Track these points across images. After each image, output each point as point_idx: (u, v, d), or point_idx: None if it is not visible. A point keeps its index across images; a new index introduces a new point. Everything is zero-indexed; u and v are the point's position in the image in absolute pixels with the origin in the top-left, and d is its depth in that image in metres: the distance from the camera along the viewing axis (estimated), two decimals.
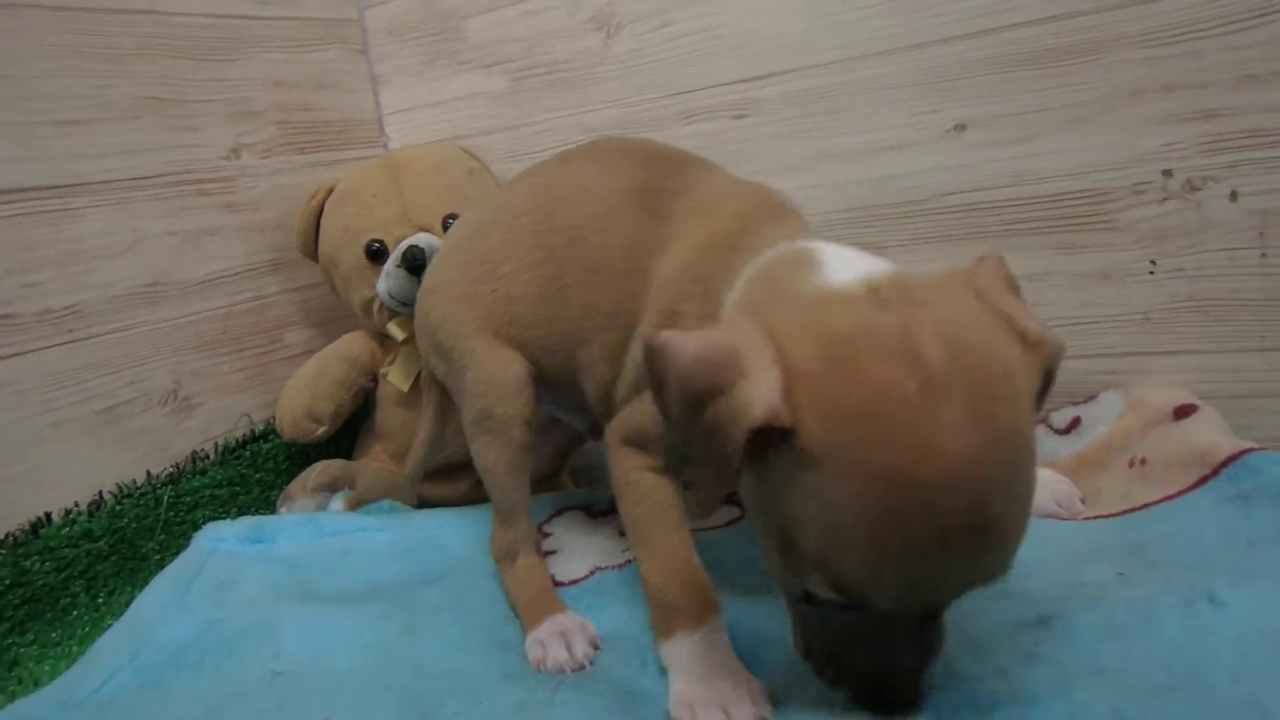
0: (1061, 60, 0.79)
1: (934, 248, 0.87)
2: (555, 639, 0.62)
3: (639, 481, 0.61)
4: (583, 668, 0.60)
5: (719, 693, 0.52)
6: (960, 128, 0.84)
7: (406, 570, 0.75)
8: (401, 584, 0.73)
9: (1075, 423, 0.76)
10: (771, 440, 0.42)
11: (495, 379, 0.70)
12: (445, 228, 0.98)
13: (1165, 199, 0.78)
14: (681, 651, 0.56)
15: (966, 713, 0.47)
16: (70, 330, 0.86)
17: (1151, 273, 0.80)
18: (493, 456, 0.71)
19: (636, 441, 0.62)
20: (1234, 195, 0.76)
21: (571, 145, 1.03)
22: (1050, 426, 0.77)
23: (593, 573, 0.72)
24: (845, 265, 0.49)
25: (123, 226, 0.90)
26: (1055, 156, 0.81)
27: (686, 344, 0.44)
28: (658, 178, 0.67)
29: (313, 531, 0.81)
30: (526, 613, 0.66)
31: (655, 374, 0.45)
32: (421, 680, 0.60)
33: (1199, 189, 0.77)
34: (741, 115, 0.94)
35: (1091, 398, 0.78)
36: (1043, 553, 0.62)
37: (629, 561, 0.71)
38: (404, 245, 0.95)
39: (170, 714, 0.58)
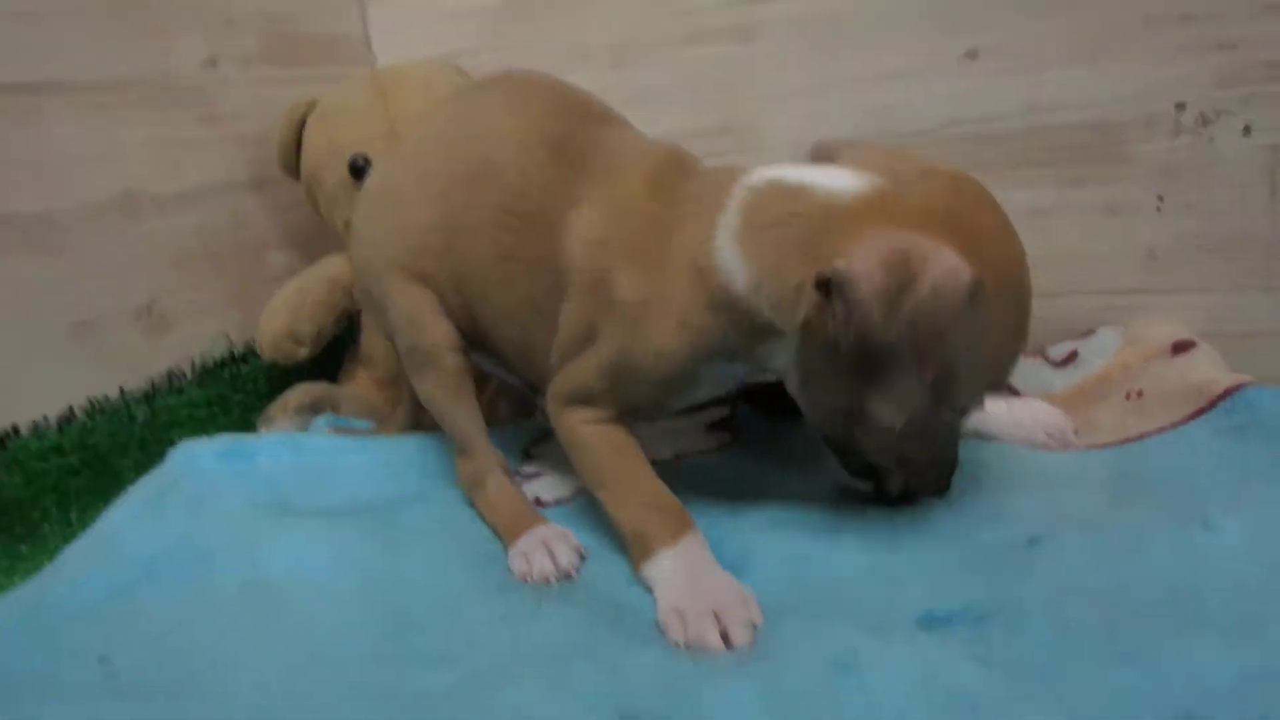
0: None
1: None
2: (538, 549, 0.61)
3: (591, 432, 0.63)
4: (569, 576, 0.59)
5: (708, 598, 0.52)
6: (971, 55, 0.82)
7: (389, 490, 0.74)
8: (384, 503, 0.72)
9: (1072, 356, 0.76)
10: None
11: (411, 313, 0.70)
12: None
13: (1177, 133, 0.77)
14: (663, 566, 0.56)
15: (958, 622, 0.47)
16: (39, 238, 0.82)
17: (1159, 209, 0.78)
18: (431, 389, 0.71)
19: (583, 398, 0.63)
20: (1247, 130, 0.75)
21: (567, 68, 1.01)
22: (1046, 358, 0.77)
23: (578, 494, 0.71)
24: (821, 176, 0.55)
25: (97, 132, 0.86)
26: (1067, 87, 0.79)
27: (864, 260, 0.48)
28: (573, 128, 0.67)
29: (293, 451, 0.79)
30: (506, 530, 0.65)
31: (844, 302, 0.48)
32: (403, 594, 0.59)
33: (1211, 123, 0.76)
34: (746, 38, 0.91)
35: (1090, 333, 0.77)
36: (1034, 480, 0.62)
37: None
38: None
39: (139, 623, 0.56)
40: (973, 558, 0.53)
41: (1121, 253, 0.80)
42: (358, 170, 0.95)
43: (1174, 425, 0.64)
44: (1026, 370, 0.76)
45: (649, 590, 0.56)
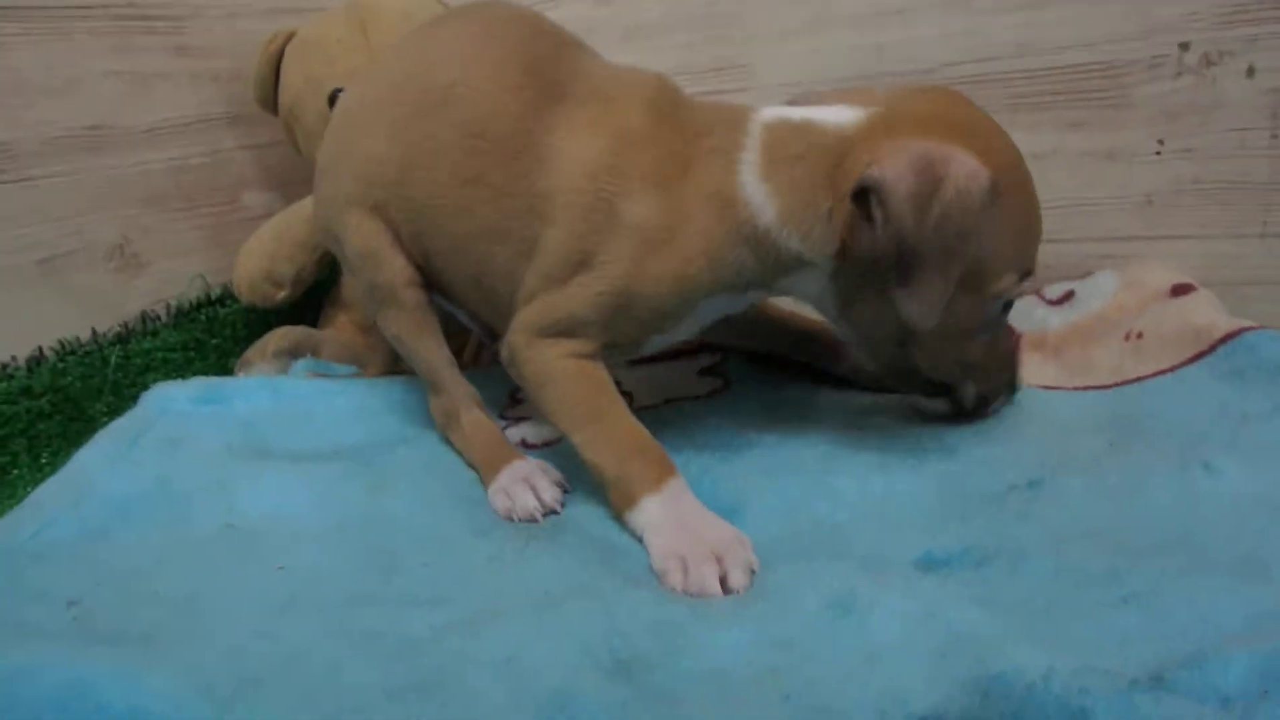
0: None
1: None
2: (519, 485, 0.60)
3: (570, 366, 0.60)
4: (554, 511, 0.58)
5: (705, 541, 0.51)
6: None
7: (371, 433, 0.72)
8: (366, 446, 0.70)
9: (1069, 295, 0.74)
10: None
11: (366, 249, 0.68)
12: None
13: (1179, 74, 0.74)
14: (651, 512, 0.54)
15: (957, 564, 0.46)
16: (3, 170, 0.79)
17: (1158, 153, 0.76)
18: (394, 326, 0.69)
19: (564, 330, 0.60)
20: (1250, 71, 0.72)
21: (556, 4, 0.97)
22: (1042, 297, 0.76)
23: (563, 437, 0.69)
24: (822, 111, 0.57)
25: (60, 60, 0.82)
26: (1067, 25, 0.76)
27: (895, 164, 0.51)
28: (550, 53, 0.65)
29: (271, 394, 0.77)
30: (484, 466, 0.63)
31: (883, 206, 0.51)
32: (387, 535, 0.57)
33: (1215, 64, 0.73)
34: None
35: (1088, 274, 0.76)
36: (1032, 422, 0.61)
37: None
38: None
39: (112, 564, 0.54)
40: (971, 501, 0.52)
41: (1119, 198, 0.78)
42: (334, 100, 0.91)
43: (1173, 368, 0.63)
44: (1022, 308, 0.74)
45: (637, 538, 0.55)
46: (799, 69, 0.87)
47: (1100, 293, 0.73)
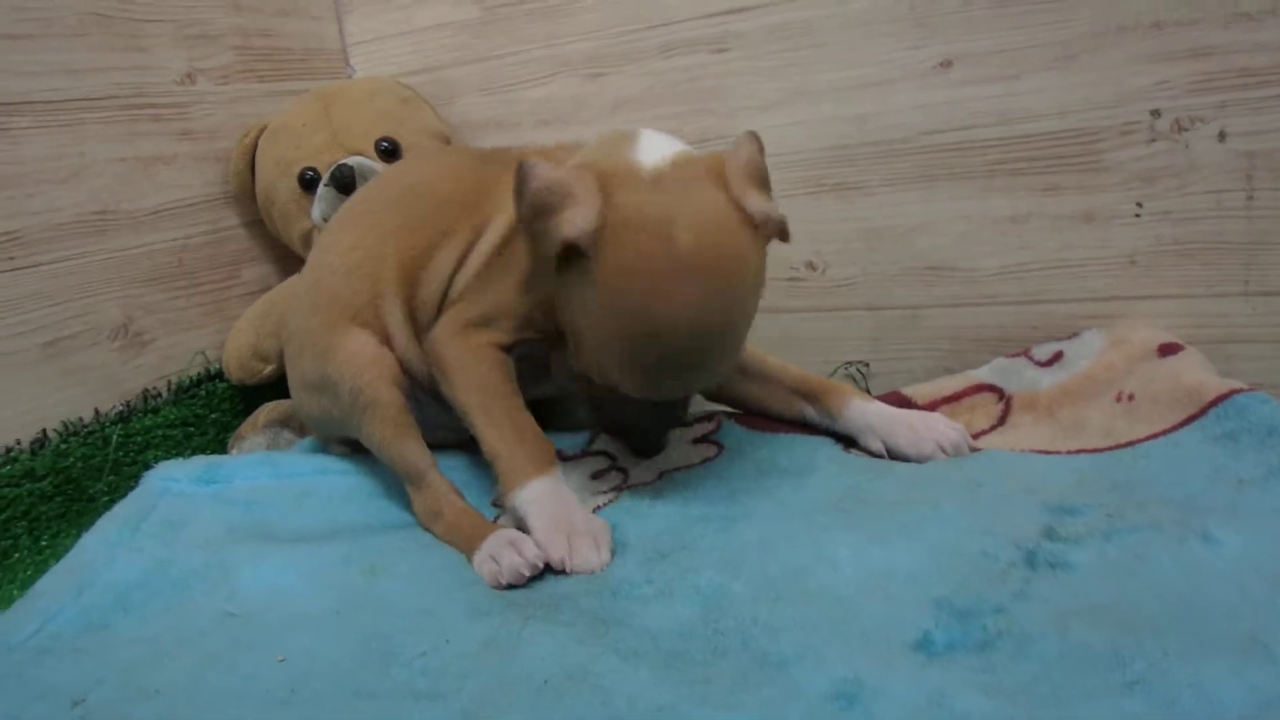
0: None
1: (916, 188, 0.85)
2: (504, 548, 0.61)
3: (484, 354, 0.68)
4: (537, 569, 0.59)
5: (582, 524, 0.60)
6: (946, 64, 0.82)
7: (368, 513, 0.72)
8: (363, 527, 0.70)
9: (1058, 356, 0.75)
10: (576, 262, 0.59)
11: (352, 351, 0.72)
12: (378, 150, 0.97)
13: (1153, 139, 0.77)
14: (535, 494, 0.63)
15: (961, 647, 0.46)
16: (11, 258, 0.81)
17: (1138, 215, 0.78)
18: (377, 431, 0.71)
19: (485, 320, 0.69)
20: (1222, 136, 0.75)
21: (544, 79, 1.01)
22: (1031, 359, 0.76)
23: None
24: (653, 146, 0.64)
25: (68, 150, 0.85)
26: (1042, 95, 0.79)
27: (544, 172, 0.59)
28: (487, 151, 0.81)
29: (271, 472, 0.77)
30: (467, 545, 0.64)
31: (517, 185, 0.60)
32: (384, 619, 0.57)
33: (1187, 129, 0.76)
34: (722, 49, 0.91)
35: (1075, 334, 0.77)
36: (1026, 490, 0.61)
37: (600, 506, 0.69)
38: (333, 166, 0.93)
39: (113, 658, 0.54)
40: (971, 575, 0.52)
41: (1101, 259, 0.80)
42: (307, 182, 0.96)
43: (1165, 431, 0.63)
44: (1012, 370, 0.76)
45: (520, 515, 0.63)
46: (782, 140, 0.89)
47: (1087, 352, 0.74)
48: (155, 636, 0.56)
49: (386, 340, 0.74)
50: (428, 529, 0.69)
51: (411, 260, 0.74)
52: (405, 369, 0.74)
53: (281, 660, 0.53)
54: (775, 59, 0.89)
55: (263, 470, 0.78)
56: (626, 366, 0.61)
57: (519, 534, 0.62)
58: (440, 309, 0.73)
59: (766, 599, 0.53)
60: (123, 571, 0.63)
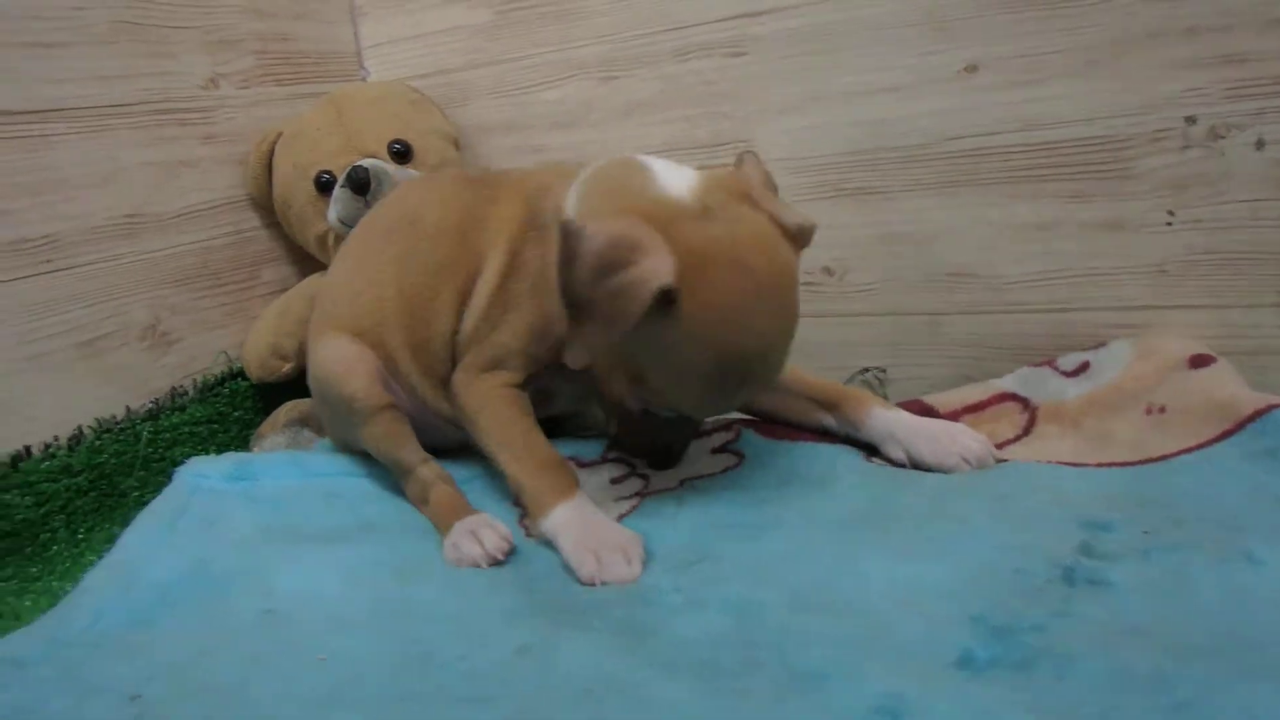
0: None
1: (937, 193, 0.85)
2: (465, 537, 0.65)
3: (501, 395, 0.71)
4: (496, 560, 0.63)
5: (610, 539, 0.61)
6: (971, 69, 0.81)
7: (395, 515, 0.74)
8: (391, 528, 0.72)
9: (1084, 366, 0.74)
10: (650, 306, 0.57)
11: (338, 358, 0.76)
12: (391, 152, 0.99)
13: (1186, 146, 0.75)
14: (562, 518, 0.64)
15: (1002, 665, 0.45)
16: (48, 260, 0.83)
17: (1169, 224, 0.77)
18: (371, 436, 0.75)
19: (498, 364, 0.71)
20: (1260, 144, 0.73)
21: (557, 82, 1.02)
22: (1057, 369, 0.75)
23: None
24: (671, 176, 0.64)
25: (100, 155, 0.87)
26: (1069, 101, 0.78)
27: (601, 228, 0.58)
28: (477, 175, 0.82)
29: (297, 472, 0.79)
30: (440, 525, 0.69)
31: (568, 250, 0.57)
32: (419, 623, 0.58)
33: (1223, 137, 0.74)
34: (739, 53, 0.91)
35: (1101, 344, 0.76)
36: (1057, 504, 0.60)
37: (624, 514, 0.70)
38: (348, 168, 0.95)
39: (161, 653, 0.56)
40: (1007, 591, 0.51)
41: (1130, 268, 0.79)
42: (323, 185, 0.98)
43: (1200, 446, 0.61)
44: (1037, 379, 0.74)
45: (548, 540, 0.64)
46: (799, 145, 0.90)
47: (1115, 362, 0.72)
48: (198, 634, 0.58)
49: (389, 361, 0.78)
50: (418, 509, 0.73)
51: (414, 295, 0.76)
52: (413, 395, 0.78)
53: (323, 659, 0.54)
54: (793, 63, 0.88)
55: (290, 470, 0.80)
56: (703, 391, 0.62)
57: (484, 521, 0.67)
58: (451, 347, 0.76)
59: (797, 611, 0.53)
60: (164, 569, 0.65)
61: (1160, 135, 0.76)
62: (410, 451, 0.75)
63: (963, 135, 0.83)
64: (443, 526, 0.69)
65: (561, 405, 0.80)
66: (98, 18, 0.87)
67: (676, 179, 0.64)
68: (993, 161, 0.82)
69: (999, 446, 0.71)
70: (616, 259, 0.57)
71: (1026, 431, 0.71)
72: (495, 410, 0.71)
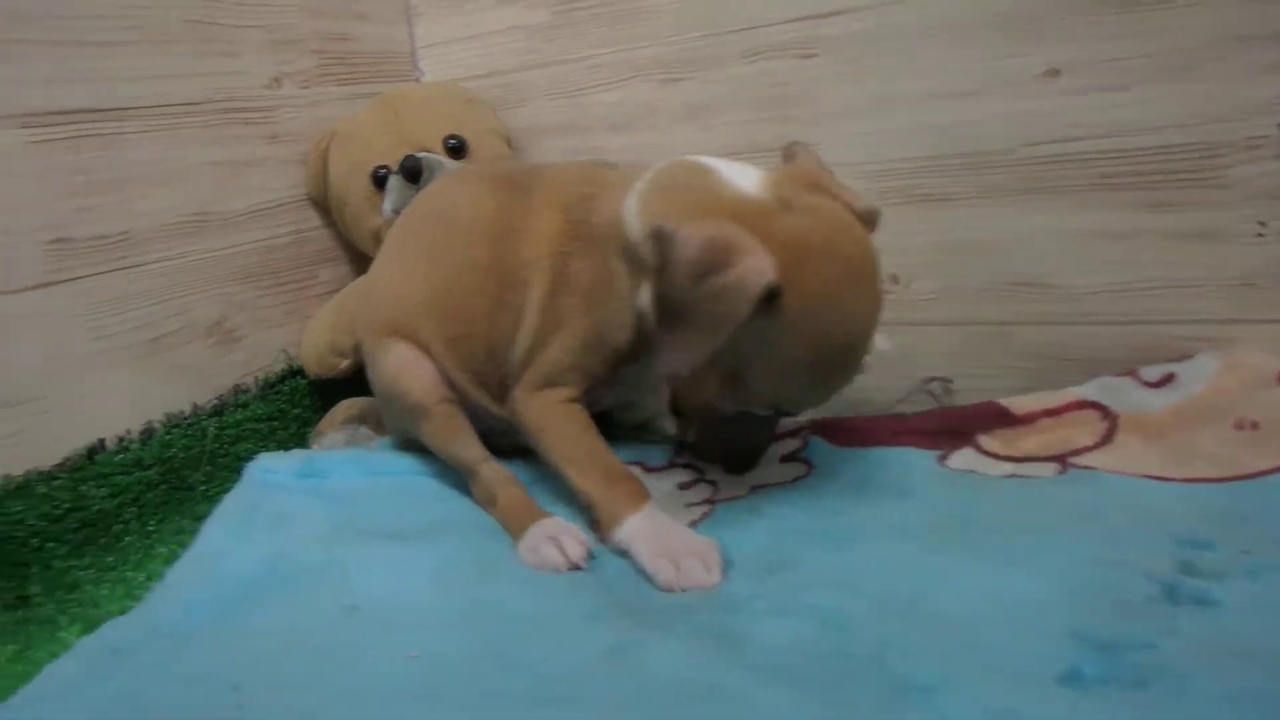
0: (1166, 2, 0.74)
1: (1010, 201, 0.83)
2: (545, 542, 0.64)
3: (560, 412, 0.71)
4: (578, 567, 0.63)
5: (686, 545, 0.61)
6: (1052, 73, 0.79)
7: (464, 514, 0.74)
8: (463, 526, 0.72)
9: (1169, 378, 0.72)
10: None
11: (393, 363, 0.77)
12: (446, 148, 1.00)
13: None
14: (636, 528, 0.63)
15: (1115, 687, 0.45)
16: (123, 257, 0.84)
17: (1261, 234, 0.74)
18: (431, 431, 0.76)
19: (554, 380, 0.71)
20: None
21: (616, 84, 1.02)
22: (1139, 379, 0.73)
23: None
24: (737, 174, 0.64)
25: (171, 154, 0.88)
26: (1156, 106, 0.75)
27: (694, 231, 0.57)
28: (508, 172, 0.81)
29: (363, 470, 0.80)
30: (513, 527, 0.68)
31: (662, 256, 0.57)
32: (500, 622, 0.58)
33: None
34: (809, 54, 0.89)
35: (1186, 356, 0.74)
36: (1146, 520, 0.59)
37: (696, 521, 0.69)
38: (403, 159, 0.96)
39: (251, 646, 0.57)
40: (1107, 607, 0.50)
41: (1214, 280, 0.76)
42: (380, 180, 0.99)
43: None
44: (1118, 389, 0.73)
45: (622, 551, 0.63)
46: (869, 150, 0.88)
47: (1201, 375, 0.70)
48: (284, 629, 0.59)
49: (424, 352, 0.78)
50: (486, 510, 0.73)
51: (445, 290, 0.77)
52: (453, 386, 0.78)
53: (414, 656, 0.54)
54: (865, 65, 0.87)
55: (356, 468, 0.81)
56: (807, 383, 0.63)
57: (563, 526, 0.66)
58: (489, 350, 0.76)
59: (890, 622, 0.52)
60: (245, 564, 0.66)
61: (1254, 143, 0.73)
62: (472, 449, 0.75)
63: (1040, 141, 0.81)
64: (514, 528, 0.69)
65: (608, 402, 0.79)
66: (169, 16, 0.88)
67: (743, 177, 0.64)
68: (1071, 168, 0.80)
69: (1076, 453, 0.69)
70: (715, 261, 0.56)
71: (1106, 440, 0.70)
72: (556, 427, 0.71)
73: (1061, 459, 0.69)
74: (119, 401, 0.84)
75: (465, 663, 0.53)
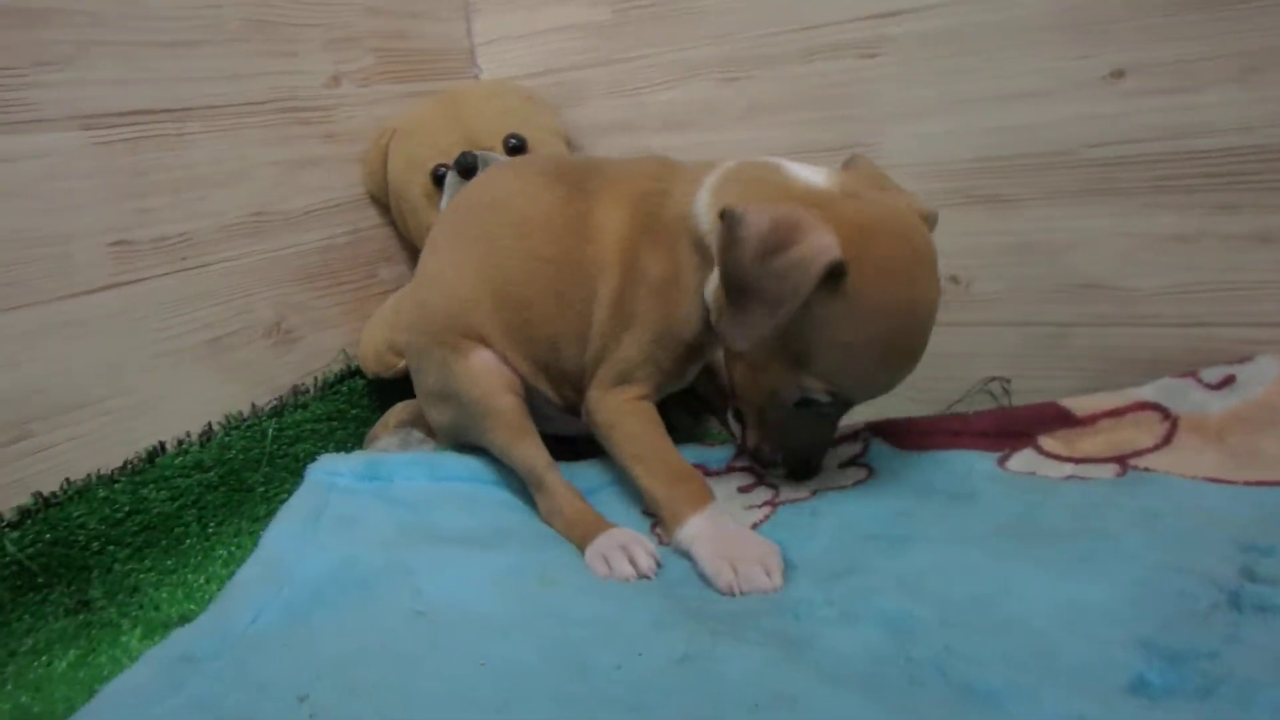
0: (1233, 5, 0.73)
1: (1073, 202, 0.82)
2: (616, 551, 0.65)
3: (630, 410, 0.72)
4: (648, 578, 0.63)
5: (747, 549, 0.61)
6: (1118, 75, 0.78)
7: (530, 521, 0.74)
8: (528, 534, 0.72)
9: (1229, 380, 0.72)
10: (821, 281, 0.58)
11: (472, 368, 0.76)
12: (506, 147, 0.99)
13: None
14: (697, 528, 0.64)
15: (1182, 697, 0.45)
16: (184, 259, 0.84)
17: None
18: (499, 436, 0.76)
19: (623, 378, 0.72)
20: None
21: (675, 82, 1.01)
22: (1199, 380, 0.73)
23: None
24: (803, 171, 0.67)
25: (231, 154, 0.88)
26: (1223, 109, 0.75)
27: (762, 210, 0.59)
28: (562, 166, 0.81)
29: (427, 473, 0.80)
30: (580, 537, 0.68)
31: (730, 234, 0.59)
32: (568, 628, 0.58)
33: None
34: (872, 54, 0.89)
35: (1248, 359, 0.74)
36: (1209, 524, 0.59)
37: (758, 523, 0.69)
38: (459, 155, 0.95)
39: (322, 651, 0.57)
40: (1172, 614, 0.51)
41: (1276, 284, 0.76)
42: (440, 179, 0.98)
43: None
44: (1178, 390, 0.73)
45: (684, 551, 0.64)
46: (930, 150, 0.87)
47: (1262, 378, 0.70)
48: (354, 634, 0.58)
49: (485, 344, 0.77)
50: (549, 523, 0.73)
51: (502, 280, 0.77)
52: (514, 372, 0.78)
53: (483, 665, 0.54)
54: (929, 65, 0.86)
55: (420, 471, 0.80)
56: (872, 366, 0.63)
57: (633, 536, 0.66)
58: (554, 341, 0.76)
59: (957, 628, 0.52)
60: (313, 567, 0.65)
61: None
62: (540, 456, 0.75)
63: (1105, 143, 0.80)
64: (580, 539, 0.69)
65: (559, 427, 0.81)
66: (230, 15, 0.88)
67: (812, 173, 0.67)
68: (1135, 170, 0.80)
69: (1137, 454, 0.69)
70: (781, 238, 0.58)
71: (1167, 441, 0.71)
72: (626, 426, 0.72)
73: (1121, 460, 0.69)
74: (179, 403, 0.84)
75: (538, 670, 0.53)
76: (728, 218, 0.60)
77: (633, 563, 0.64)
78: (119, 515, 0.78)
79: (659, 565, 0.65)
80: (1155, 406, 0.73)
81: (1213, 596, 0.52)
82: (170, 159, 0.83)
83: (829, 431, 0.72)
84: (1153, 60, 0.77)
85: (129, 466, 0.79)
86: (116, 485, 0.78)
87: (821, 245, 0.58)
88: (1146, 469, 0.68)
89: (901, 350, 0.63)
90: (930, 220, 0.67)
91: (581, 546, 0.68)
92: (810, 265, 0.57)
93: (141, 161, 0.81)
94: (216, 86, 0.87)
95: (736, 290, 0.60)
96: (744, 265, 0.59)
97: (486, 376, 0.77)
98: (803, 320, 0.60)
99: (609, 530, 0.68)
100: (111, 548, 0.77)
